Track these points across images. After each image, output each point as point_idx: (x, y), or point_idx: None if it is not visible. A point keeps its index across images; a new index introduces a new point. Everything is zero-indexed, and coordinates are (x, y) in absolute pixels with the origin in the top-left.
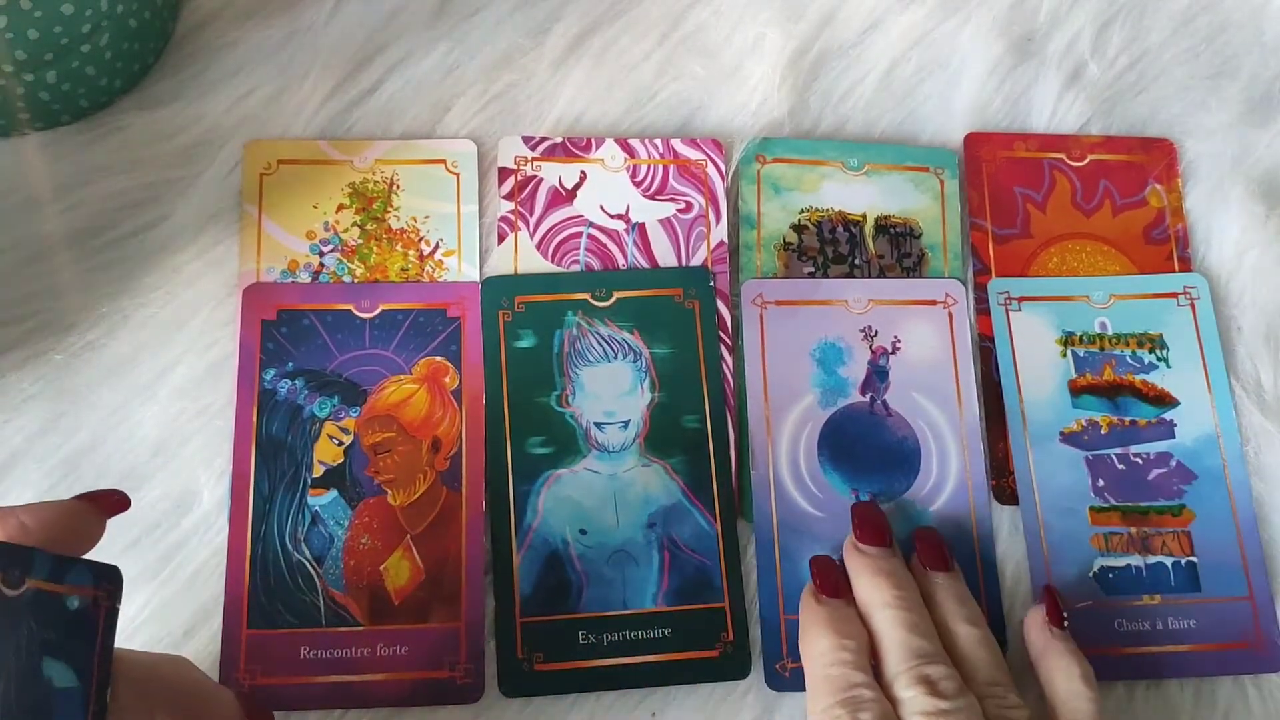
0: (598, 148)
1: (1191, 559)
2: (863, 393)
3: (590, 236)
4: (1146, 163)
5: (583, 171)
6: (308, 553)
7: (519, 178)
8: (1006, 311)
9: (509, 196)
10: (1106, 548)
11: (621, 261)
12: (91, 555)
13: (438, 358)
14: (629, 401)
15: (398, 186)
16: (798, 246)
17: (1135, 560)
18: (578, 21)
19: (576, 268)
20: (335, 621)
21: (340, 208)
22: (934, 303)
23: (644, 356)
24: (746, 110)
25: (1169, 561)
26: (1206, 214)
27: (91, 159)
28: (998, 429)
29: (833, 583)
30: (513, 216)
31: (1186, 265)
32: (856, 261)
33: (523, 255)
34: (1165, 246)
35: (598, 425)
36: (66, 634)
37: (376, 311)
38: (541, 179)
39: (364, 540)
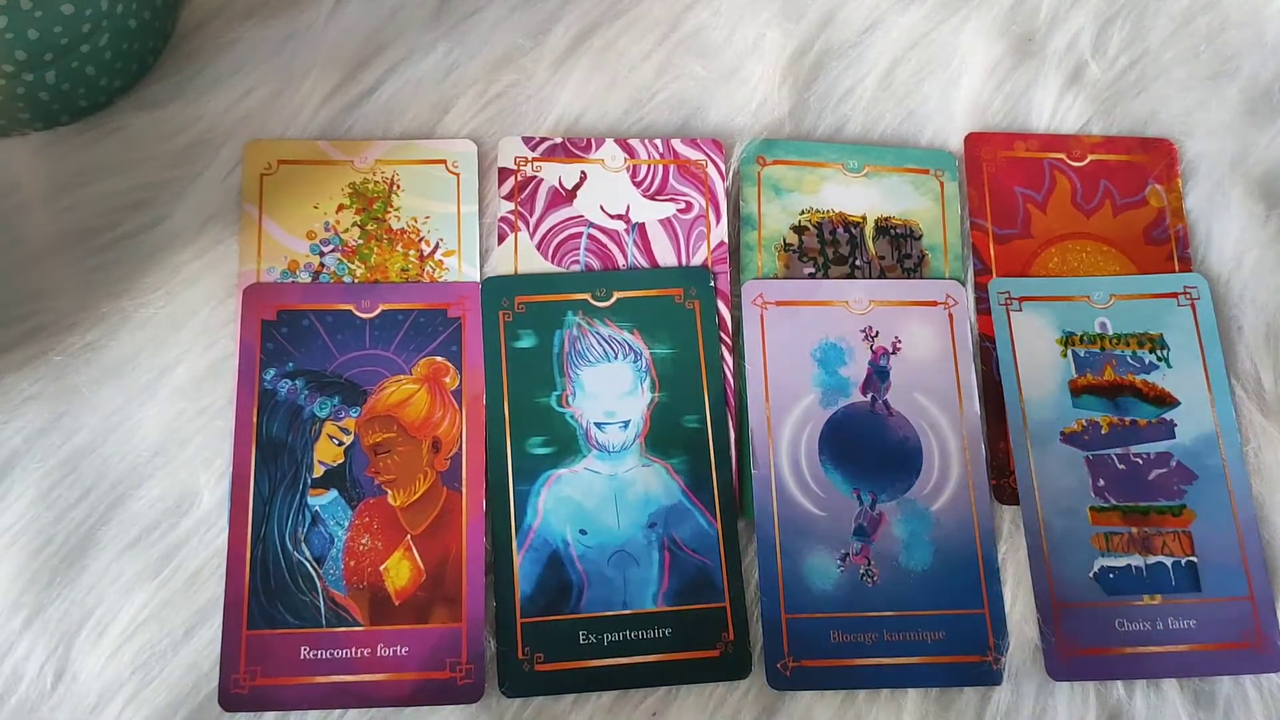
0: (598, 148)
1: (1191, 559)
2: (864, 393)
3: (590, 236)
4: (1146, 163)
5: (583, 172)
6: (308, 553)
7: (519, 178)
8: (1007, 311)
9: (509, 197)
10: (1107, 548)
11: (621, 261)
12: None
13: (438, 358)
14: (629, 401)
15: (398, 186)
16: (798, 247)
17: (1135, 560)
18: (578, 21)
19: (576, 268)
20: (335, 622)
21: (340, 208)
22: (934, 303)
23: (644, 356)
24: (746, 110)
25: (1169, 561)
26: (1206, 214)
27: (91, 159)
28: (998, 429)
29: None
30: (513, 217)
31: (1186, 265)
32: (857, 262)
33: (523, 255)
34: (1165, 246)
35: (598, 425)
36: None
37: (377, 312)
38: (541, 179)
39: (364, 540)
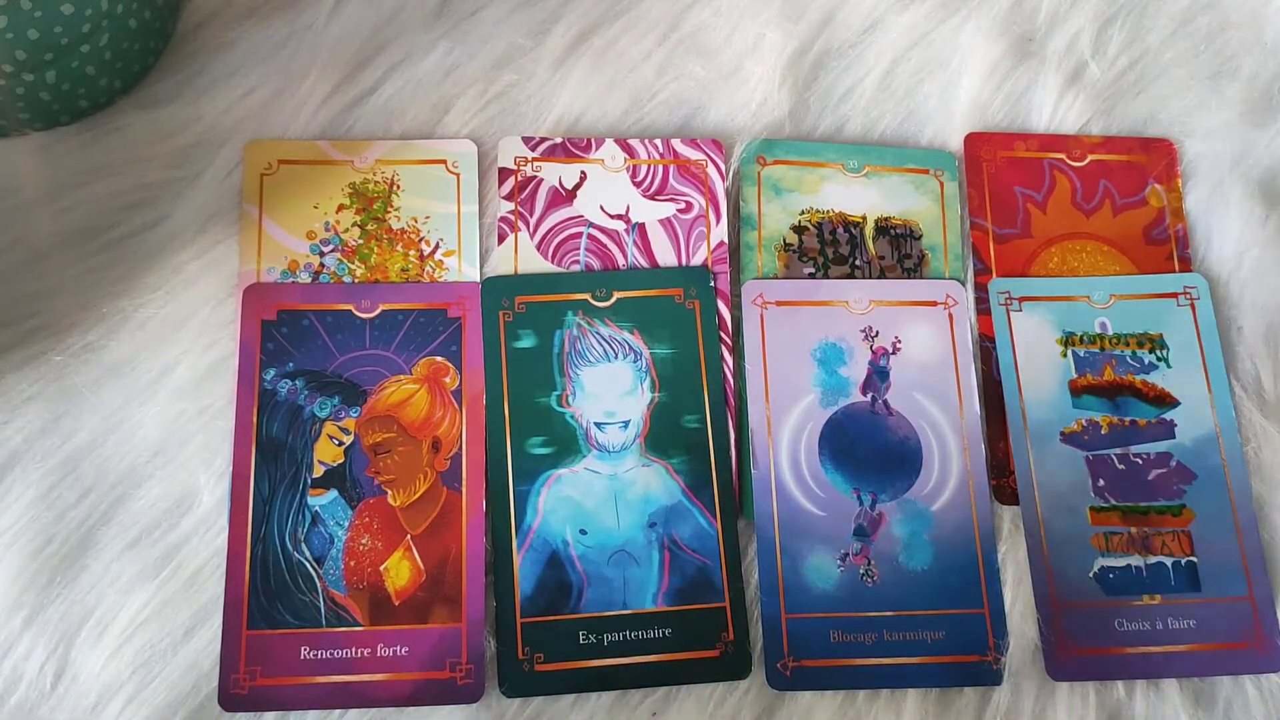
0: (598, 148)
1: (1191, 559)
2: (864, 393)
3: (590, 236)
4: (1146, 163)
5: (583, 171)
6: (308, 553)
7: (519, 178)
8: (1007, 311)
9: (509, 197)
10: (1106, 548)
11: (621, 261)
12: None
13: (438, 358)
14: (629, 401)
15: (398, 187)
16: (798, 247)
17: (1135, 560)
18: (578, 21)
19: (576, 268)
20: (335, 622)
21: (341, 208)
22: (934, 303)
23: (644, 356)
24: (746, 110)
25: (1169, 561)
26: (1206, 214)
27: (91, 159)
28: (998, 429)
29: None
30: (513, 217)
31: (1186, 265)
32: (857, 262)
33: (523, 255)
34: (1165, 246)
35: (598, 425)
36: None
37: (377, 312)
38: (541, 179)
39: (364, 540)
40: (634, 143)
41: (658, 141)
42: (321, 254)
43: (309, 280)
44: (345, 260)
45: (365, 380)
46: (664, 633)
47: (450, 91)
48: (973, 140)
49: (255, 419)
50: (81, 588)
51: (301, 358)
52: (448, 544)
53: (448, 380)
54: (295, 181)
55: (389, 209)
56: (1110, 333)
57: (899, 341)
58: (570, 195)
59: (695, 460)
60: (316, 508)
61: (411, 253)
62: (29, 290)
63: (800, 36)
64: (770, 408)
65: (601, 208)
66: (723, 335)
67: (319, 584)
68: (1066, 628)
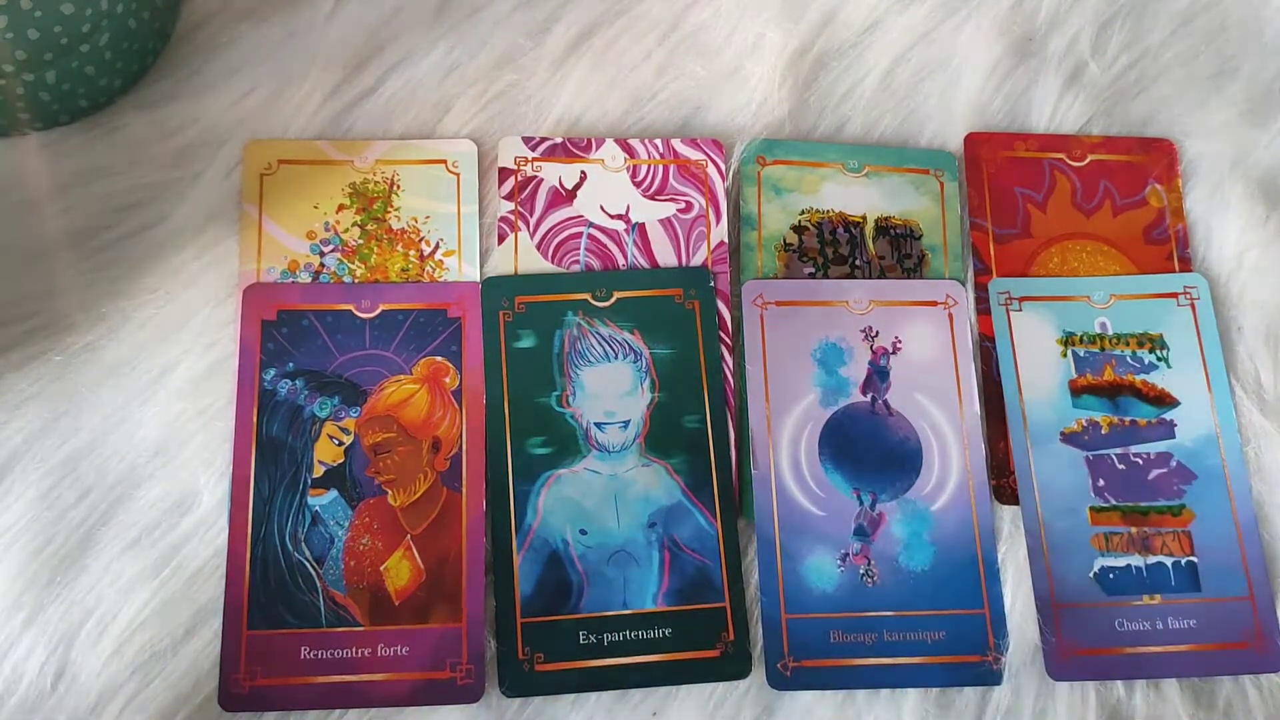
0: (598, 148)
1: (1191, 559)
2: (864, 393)
3: (590, 236)
4: (1146, 163)
5: (583, 171)
6: (308, 553)
7: (519, 178)
8: (1007, 311)
9: (509, 196)
10: (1106, 548)
11: (621, 261)
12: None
13: (438, 358)
14: (629, 401)
15: (398, 186)
16: (798, 247)
17: (1135, 560)
18: (578, 21)
19: (576, 268)
20: (335, 622)
21: (341, 208)
22: (935, 303)
23: (644, 356)
24: (747, 110)
25: (1169, 561)
26: (1206, 214)
27: (91, 159)
28: (998, 429)
29: None
30: (513, 216)
31: (1186, 265)
32: (857, 262)
33: (523, 255)
34: (1165, 246)
35: (598, 425)
36: None
37: (377, 312)
38: (541, 179)
39: (364, 540)
40: (634, 143)
41: (658, 141)
42: (321, 254)
43: (309, 280)
44: (345, 260)
45: (365, 380)
46: (664, 633)
47: (450, 91)
48: (973, 140)
49: (255, 419)
50: (81, 588)
51: (301, 358)
52: (448, 544)
53: (448, 380)
54: (295, 181)
55: (389, 209)
56: (1110, 333)
57: (899, 341)
58: (570, 195)
59: (695, 460)
60: (316, 508)
61: (411, 253)
62: (29, 290)
63: (800, 36)
64: (770, 408)
65: (601, 208)
66: (723, 335)
67: (319, 584)
68: (1066, 628)
